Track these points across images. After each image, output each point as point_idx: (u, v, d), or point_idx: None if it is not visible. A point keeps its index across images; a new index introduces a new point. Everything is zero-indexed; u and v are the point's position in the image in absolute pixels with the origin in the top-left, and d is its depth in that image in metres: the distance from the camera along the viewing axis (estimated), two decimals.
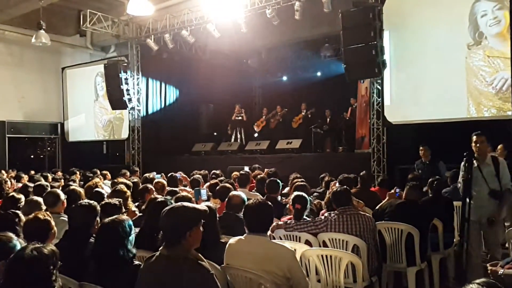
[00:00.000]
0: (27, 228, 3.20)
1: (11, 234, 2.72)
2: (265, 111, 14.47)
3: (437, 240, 5.05)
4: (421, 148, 8.11)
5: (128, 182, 6.58)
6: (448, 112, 8.86)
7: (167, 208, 2.64)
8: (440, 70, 8.94)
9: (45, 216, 3.27)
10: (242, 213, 3.41)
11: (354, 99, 12.54)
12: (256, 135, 14.37)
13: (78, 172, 10.19)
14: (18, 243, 2.66)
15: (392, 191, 5.34)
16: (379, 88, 9.67)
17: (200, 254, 2.59)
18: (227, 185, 5.70)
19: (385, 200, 5.26)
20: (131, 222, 2.95)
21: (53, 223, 3.28)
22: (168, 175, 7.59)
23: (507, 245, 4.59)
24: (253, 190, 6.57)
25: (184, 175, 8.10)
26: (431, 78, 9.03)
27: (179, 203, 2.70)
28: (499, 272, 2.67)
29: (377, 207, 5.18)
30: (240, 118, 14.27)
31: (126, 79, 12.66)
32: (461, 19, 8.65)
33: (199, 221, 2.58)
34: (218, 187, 5.88)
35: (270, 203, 3.37)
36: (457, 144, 8.53)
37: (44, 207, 4.27)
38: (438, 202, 5.55)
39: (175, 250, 2.49)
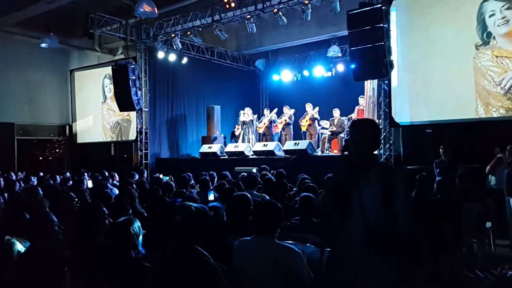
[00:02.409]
0: None
1: None
2: (266, 112, 14.49)
3: (446, 241, 5.01)
4: (442, 147, 8.03)
5: (135, 183, 6.61)
6: (456, 112, 8.82)
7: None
8: (448, 70, 8.90)
9: None
10: (248, 213, 3.42)
11: (362, 98, 12.50)
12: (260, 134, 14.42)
13: (86, 174, 10.24)
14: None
15: None
16: (386, 88, 9.64)
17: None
18: (233, 186, 5.70)
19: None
20: (139, 223, 2.96)
21: None
22: (181, 176, 7.62)
23: None
24: (260, 192, 6.57)
25: None
26: (439, 79, 8.99)
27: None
28: (508, 274, 2.65)
29: None
30: (247, 119, 14.28)
31: (134, 80, 12.71)
32: (469, 19, 8.61)
33: None
34: (224, 188, 5.88)
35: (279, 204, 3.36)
36: (464, 145, 8.57)
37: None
38: (447, 203, 5.51)
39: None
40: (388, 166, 2.54)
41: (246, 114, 14.30)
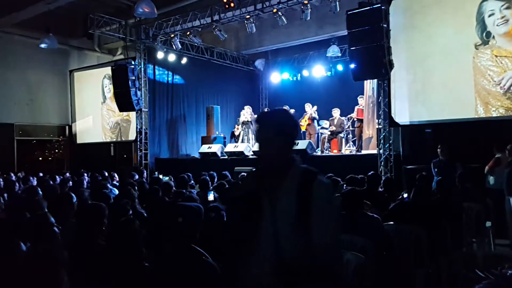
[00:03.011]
0: None
1: None
2: None
3: (446, 241, 5.01)
4: (439, 146, 8.08)
5: (135, 184, 6.60)
6: (456, 112, 8.81)
7: None
8: (448, 70, 8.90)
9: None
10: None
11: (362, 98, 12.53)
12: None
13: (86, 174, 10.23)
14: None
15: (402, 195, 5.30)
16: (386, 88, 9.63)
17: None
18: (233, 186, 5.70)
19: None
20: (139, 223, 2.96)
21: None
22: (180, 176, 7.62)
23: None
24: None
25: None
26: (438, 78, 8.99)
27: None
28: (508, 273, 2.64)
29: (390, 207, 5.12)
30: (247, 119, 14.28)
31: (133, 81, 12.71)
32: (468, 18, 8.60)
33: None
34: (224, 188, 5.88)
35: None
36: (464, 144, 8.57)
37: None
38: (446, 202, 5.51)
39: None
40: (307, 171, 2.01)
41: (245, 114, 14.29)
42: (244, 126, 14.30)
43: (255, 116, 14.50)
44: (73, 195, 4.61)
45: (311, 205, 1.91)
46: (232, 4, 10.89)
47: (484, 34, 8.48)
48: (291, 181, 1.98)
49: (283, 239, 1.92)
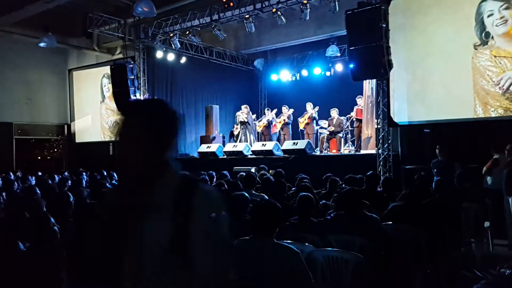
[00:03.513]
0: None
1: None
2: (267, 112, 14.52)
3: (444, 241, 5.01)
4: (438, 146, 8.14)
5: None
6: (455, 112, 8.83)
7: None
8: (447, 70, 8.91)
9: None
10: (247, 213, 3.42)
11: (360, 98, 12.53)
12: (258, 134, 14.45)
13: (85, 173, 10.21)
14: None
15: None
16: (385, 88, 9.64)
17: None
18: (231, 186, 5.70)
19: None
20: None
21: None
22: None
23: None
24: (258, 191, 6.57)
25: None
26: (437, 78, 9.00)
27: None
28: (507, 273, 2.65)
29: (391, 206, 5.11)
30: (246, 119, 14.27)
31: (132, 80, 12.69)
32: (468, 19, 8.62)
33: None
34: (223, 188, 5.88)
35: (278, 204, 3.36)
36: (463, 145, 8.59)
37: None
38: (445, 202, 5.52)
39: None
40: (186, 178, 1.54)
41: (241, 114, 14.27)
42: (242, 126, 14.30)
43: (253, 116, 14.54)
44: (70, 194, 4.61)
45: (191, 222, 1.49)
46: (231, 4, 10.90)
47: (483, 34, 8.49)
48: (165, 192, 1.53)
49: (154, 269, 1.52)
